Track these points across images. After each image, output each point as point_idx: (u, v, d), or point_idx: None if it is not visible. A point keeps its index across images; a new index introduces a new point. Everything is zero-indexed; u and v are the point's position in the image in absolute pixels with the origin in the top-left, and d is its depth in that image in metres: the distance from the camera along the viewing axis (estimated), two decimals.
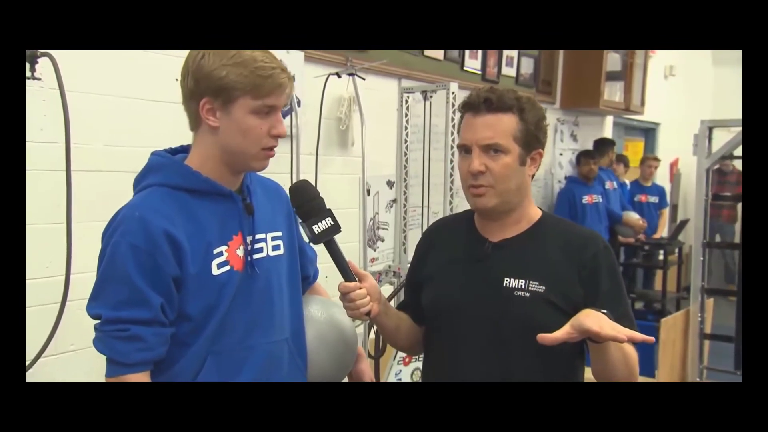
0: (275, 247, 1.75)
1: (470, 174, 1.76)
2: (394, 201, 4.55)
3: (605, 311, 1.59)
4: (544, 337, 1.53)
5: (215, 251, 1.61)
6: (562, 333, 1.54)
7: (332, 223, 1.70)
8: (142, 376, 1.55)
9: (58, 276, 2.63)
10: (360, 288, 1.72)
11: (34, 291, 2.65)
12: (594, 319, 1.52)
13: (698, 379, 5.18)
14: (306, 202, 1.72)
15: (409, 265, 2.15)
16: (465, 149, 1.78)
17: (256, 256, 1.70)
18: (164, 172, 1.65)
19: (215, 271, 1.60)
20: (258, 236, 1.71)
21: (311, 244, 1.79)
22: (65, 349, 2.74)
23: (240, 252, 1.66)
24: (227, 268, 1.62)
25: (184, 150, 1.73)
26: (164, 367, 1.61)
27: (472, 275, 1.83)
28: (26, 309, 2.61)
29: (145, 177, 1.67)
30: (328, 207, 1.74)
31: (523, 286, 1.76)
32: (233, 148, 1.62)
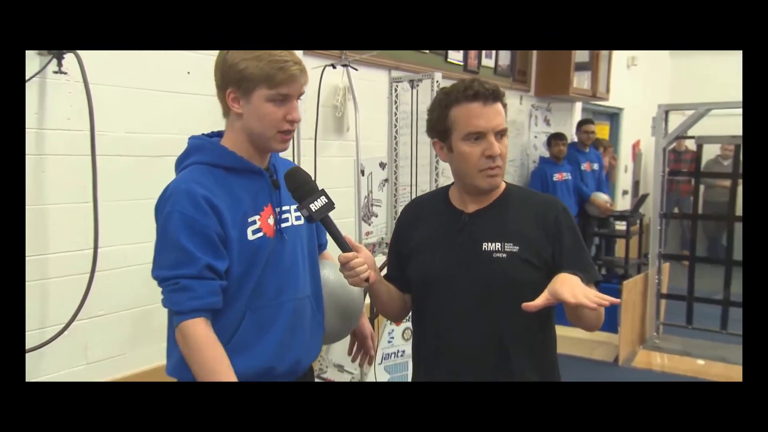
0: (298, 218, 1.78)
1: (489, 157, 1.74)
2: (386, 180, 4.56)
3: (579, 274, 1.62)
4: (528, 306, 1.56)
5: (250, 220, 1.65)
6: (542, 300, 1.57)
7: (326, 200, 1.69)
8: (201, 322, 1.57)
9: (86, 250, 2.66)
10: (357, 257, 1.72)
11: (66, 263, 2.69)
12: (568, 288, 1.54)
13: (655, 333, 5.28)
14: (300, 185, 1.71)
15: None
16: (477, 135, 1.74)
17: (283, 225, 1.73)
18: (203, 153, 1.68)
19: (251, 237, 1.65)
20: (284, 208, 1.75)
21: (308, 222, 1.78)
22: (95, 314, 2.76)
23: (271, 221, 1.70)
24: (261, 234, 1.67)
25: (218, 134, 1.77)
26: (213, 321, 1.63)
27: (454, 244, 1.84)
28: (59, 279, 2.67)
29: (187, 157, 1.70)
30: (321, 188, 1.73)
31: (499, 249, 1.79)
32: (254, 132, 1.65)
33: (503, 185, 1.87)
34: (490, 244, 1.80)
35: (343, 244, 1.71)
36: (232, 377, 1.58)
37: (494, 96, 1.73)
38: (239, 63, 1.59)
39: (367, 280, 1.71)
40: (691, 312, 5.14)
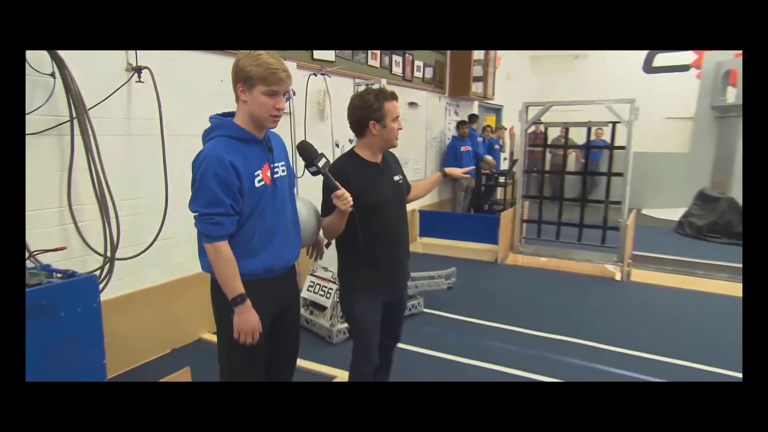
0: (283, 170, 1.72)
1: (399, 130, 1.91)
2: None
3: (409, 184, 2.06)
4: (463, 175, 2.16)
5: (255, 173, 1.60)
6: (461, 173, 2.15)
7: (326, 159, 1.72)
8: (225, 244, 1.56)
9: (160, 196, 2.70)
10: (346, 192, 1.75)
11: (149, 204, 2.72)
12: (456, 170, 2.17)
13: (519, 243, 5.40)
14: (308, 153, 1.72)
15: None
16: (397, 118, 1.89)
17: (275, 176, 1.68)
18: (224, 129, 1.61)
19: (257, 185, 1.60)
20: (275, 164, 1.68)
21: (313, 174, 1.76)
22: (168, 236, 2.80)
23: (268, 173, 1.64)
24: (262, 182, 1.62)
25: (229, 114, 1.68)
26: (236, 236, 1.61)
27: (383, 181, 1.93)
28: (145, 214, 2.71)
29: (211, 131, 1.63)
30: (321, 152, 1.76)
31: (399, 179, 1.99)
32: (254, 114, 1.59)
33: None
34: (395, 177, 1.97)
35: (336, 186, 1.74)
36: (238, 288, 1.56)
37: (397, 98, 1.92)
38: (246, 67, 1.54)
39: (352, 206, 1.75)
40: (540, 230, 5.32)
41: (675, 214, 7.29)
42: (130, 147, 2.63)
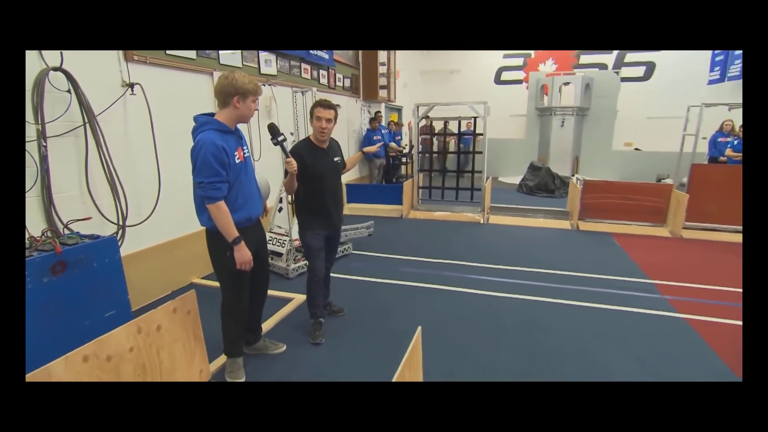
0: (247, 152, 1.75)
1: (323, 127, 2.04)
2: (294, 140, 4.57)
3: (344, 161, 2.08)
4: (374, 152, 1.99)
5: (234, 154, 1.64)
6: (372, 149, 2.12)
7: (284, 136, 1.87)
8: (223, 203, 1.59)
9: (153, 179, 2.69)
10: (293, 160, 1.91)
11: (147, 186, 2.71)
12: (369, 147, 2.13)
13: (417, 203, 5.59)
14: (274, 131, 1.85)
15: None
16: (319, 119, 2.03)
17: (245, 155, 1.71)
18: (211, 124, 1.62)
19: (236, 161, 1.64)
20: (244, 148, 1.72)
21: (274, 144, 1.87)
22: (161, 209, 2.79)
23: (241, 153, 1.68)
24: (239, 160, 1.66)
25: (210, 114, 1.67)
26: (226, 198, 1.64)
27: (325, 161, 2.11)
28: (145, 194, 2.69)
29: (201, 126, 1.63)
30: (281, 131, 1.88)
31: (338, 160, 2.15)
32: (244, 115, 1.65)
33: (330, 137, 2.18)
34: (335, 158, 2.16)
35: (287, 154, 1.90)
36: (235, 232, 1.61)
37: (329, 106, 2.05)
38: (244, 85, 1.60)
39: (295, 169, 1.93)
40: (430, 193, 5.64)
41: (516, 179, 8.22)
42: (129, 143, 2.61)
